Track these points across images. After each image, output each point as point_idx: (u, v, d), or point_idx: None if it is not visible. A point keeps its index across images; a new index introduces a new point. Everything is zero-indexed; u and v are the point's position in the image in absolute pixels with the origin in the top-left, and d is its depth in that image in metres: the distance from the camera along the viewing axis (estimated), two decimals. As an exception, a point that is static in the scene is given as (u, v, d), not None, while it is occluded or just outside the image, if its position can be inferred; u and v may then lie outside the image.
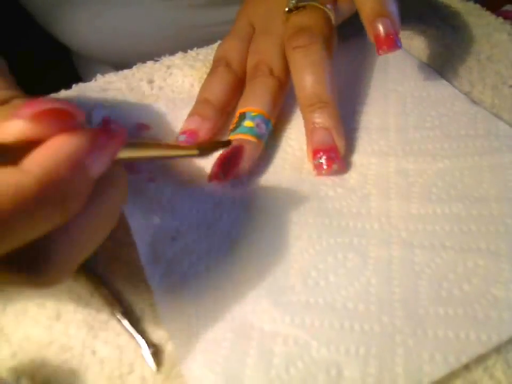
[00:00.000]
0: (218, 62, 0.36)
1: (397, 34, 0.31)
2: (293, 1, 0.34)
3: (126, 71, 0.40)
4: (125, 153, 0.21)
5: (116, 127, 0.20)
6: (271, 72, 0.34)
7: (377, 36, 0.31)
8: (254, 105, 0.32)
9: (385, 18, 0.31)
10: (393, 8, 0.32)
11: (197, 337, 0.24)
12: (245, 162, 0.31)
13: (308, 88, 0.31)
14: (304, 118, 0.32)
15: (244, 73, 0.35)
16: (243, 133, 0.31)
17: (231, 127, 0.32)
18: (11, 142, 0.18)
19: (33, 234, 0.18)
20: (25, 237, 0.17)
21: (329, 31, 0.33)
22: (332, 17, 0.34)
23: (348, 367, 0.23)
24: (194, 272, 0.27)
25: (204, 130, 0.33)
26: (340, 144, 0.31)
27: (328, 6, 0.34)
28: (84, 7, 0.50)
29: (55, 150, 0.18)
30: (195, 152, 0.25)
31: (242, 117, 0.32)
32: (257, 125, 0.32)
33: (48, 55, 0.61)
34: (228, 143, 0.29)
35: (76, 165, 0.18)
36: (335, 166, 0.31)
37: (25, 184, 0.17)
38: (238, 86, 0.35)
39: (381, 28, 0.31)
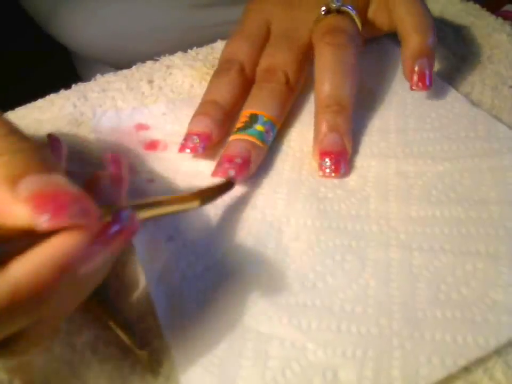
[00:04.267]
0: (228, 64, 0.35)
1: (431, 74, 0.33)
2: (334, 5, 0.34)
3: (125, 71, 0.40)
4: None
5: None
6: (287, 80, 0.33)
7: (412, 73, 0.33)
8: (267, 111, 0.32)
9: (426, 58, 0.32)
10: (435, 45, 0.33)
11: (193, 337, 0.24)
12: (251, 167, 0.30)
13: (328, 88, 0.31)
14: (317, 116, 0.32)
15: (254, 76, 0.35)
16: (252, 135, 0.31)
17: (239, 125, 0.31)
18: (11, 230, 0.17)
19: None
20: None
21: (359, 39, 0.34)
22: (359, 26, 0.35)
23: (344, 370, 0.23)
24: (192, 272, 0.27)
25: (215, 133, 0.32)
26: (349, 149, 0.31)
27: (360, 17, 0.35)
28: (83, 6, 0.50)
29: (41, 255, 0.17)
30: (196, 204, 0.25)
31: (255, 119, 0.31)
32: (267, 131, 0.31)
33: (49, 55, 0.61)
34: (230, 185, 0.29)
35: (63, 270, 0.17)
36: (342, 171, 0.31)
37: None
38: (247, 90, 0.34)
39: (420, 67, 0.32)
